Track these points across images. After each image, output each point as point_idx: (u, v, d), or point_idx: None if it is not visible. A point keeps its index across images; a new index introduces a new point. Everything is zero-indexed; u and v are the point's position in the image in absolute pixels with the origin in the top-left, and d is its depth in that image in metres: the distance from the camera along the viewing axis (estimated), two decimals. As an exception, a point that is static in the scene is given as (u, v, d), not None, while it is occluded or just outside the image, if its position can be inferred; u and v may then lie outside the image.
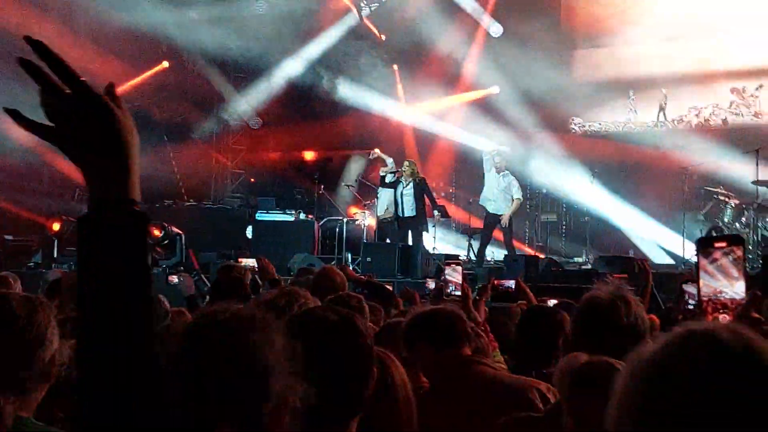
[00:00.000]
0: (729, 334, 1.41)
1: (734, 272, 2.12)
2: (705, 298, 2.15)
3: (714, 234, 16.13)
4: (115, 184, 1.66)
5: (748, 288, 2.11)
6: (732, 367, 1.37)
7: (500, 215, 16.33)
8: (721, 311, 2.13)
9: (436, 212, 16.78)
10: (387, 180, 16.49)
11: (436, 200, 17.32)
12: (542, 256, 17.30)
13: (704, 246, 2.15)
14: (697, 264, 2.15)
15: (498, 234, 16.72)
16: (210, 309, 2.18)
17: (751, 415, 1.34)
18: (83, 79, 1.65)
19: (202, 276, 12.71)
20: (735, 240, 2.15)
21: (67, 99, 1.64)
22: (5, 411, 2.55)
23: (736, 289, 2.12)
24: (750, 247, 15.63)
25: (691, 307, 6.31)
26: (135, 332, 1.65)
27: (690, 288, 6.66)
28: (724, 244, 2.13)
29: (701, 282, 2.15)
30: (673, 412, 1.37)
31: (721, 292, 2.13)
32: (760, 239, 15.67)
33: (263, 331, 2.03)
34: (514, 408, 3.36)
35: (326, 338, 2.46)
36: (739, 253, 2.12)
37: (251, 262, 8.39)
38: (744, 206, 16.03)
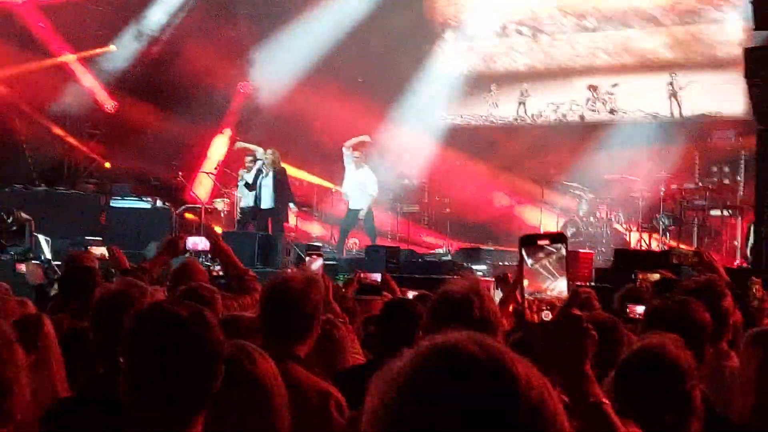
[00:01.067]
0: (475, 346, 1.36)
1: (557, 270, 2.12)
2: (529, 297, 2.15)
3: (569, 227, 16.61)
4: None
5: (575, 284, 2.14)
6: (481, 384, 1.31)
7: (358, 209, 16.41)
8: (544, 309, 2.14)
9: (291, 205, 16.68)
10: (248, 180, 16.36)
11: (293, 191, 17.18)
12: (404, 246, 17.41)
13: (527, 244, 2.15)
14: (520, 262, 2.15)
15: (360, 225, 16.78)
16: None
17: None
18: None
19: (53, 264, 12.26)
20: (557, 238, 2.15)
21: None
22: None
23: (559, 286, 2.13)
24: (603, 241, 16.12)
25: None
26: None
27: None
28: (546, 242, 2.13)
29: (525, 281, 2.15)
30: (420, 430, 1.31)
31: (545, 290, 2.14)
32: (611, 233, 16.18)
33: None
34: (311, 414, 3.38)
35: (171, 333, 2.39)
36: (563, 251, 2.13)
37: (102, 251, 8.14)
38: (598, 200, 16.52)
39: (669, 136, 18.06)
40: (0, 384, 2.43)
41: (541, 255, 2.12)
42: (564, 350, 2.14)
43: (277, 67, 20.81)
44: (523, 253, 2.13)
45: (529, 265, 2.12)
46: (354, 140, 17.02)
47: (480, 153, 19.04)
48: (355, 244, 17.83)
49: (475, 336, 1.40)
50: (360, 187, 16.49)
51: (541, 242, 2.14)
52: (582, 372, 2.19)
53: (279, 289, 3.92)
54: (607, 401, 2.19)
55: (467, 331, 1.44)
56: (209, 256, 11.52)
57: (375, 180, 16.63)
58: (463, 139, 19.91)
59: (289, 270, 9.52)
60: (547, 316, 2.12)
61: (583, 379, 2.20)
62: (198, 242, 6.04)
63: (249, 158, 16.84)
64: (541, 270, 2.12)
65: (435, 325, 3.26)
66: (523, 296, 2.15)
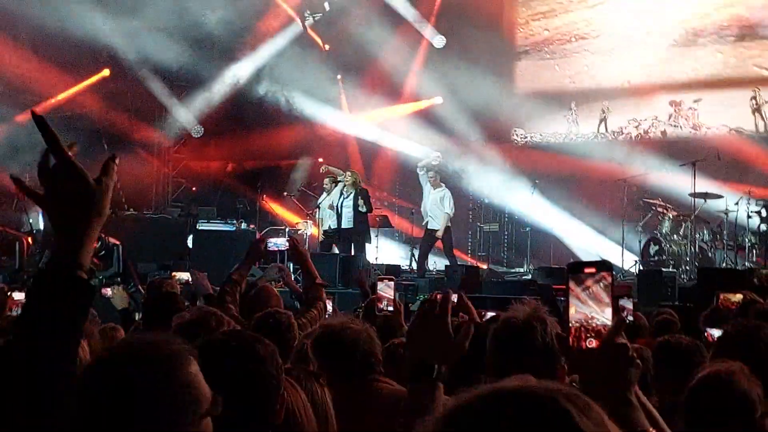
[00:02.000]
0: (542, 392, 1.30)
1: (604, 298, 2.15)
2: (575, 325, 2.18)
3: (652, 245, 16.39)
4: (68, 251, 1.94)
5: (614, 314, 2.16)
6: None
7: (436, 230, 16.46)
8: (590, 337, 2.16)
9: (378, 219, 16.86)
10: (325, 202, 16.62)
11: (375, 210, 17.34)
12: (484, 266, 17.39)
13: (575, 272, 2.18)
14: (567, 289, 2.17)
15: (439, 244, 16.81)
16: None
17: None
18: (68, 154, 2.01)
19: (140, 287, 12.57)
20: (603, 266, 2.18)
21: (54, 168, 1.99)
22: None
23: (605, 315, 2.16)
24: (687, 259, 15.86)
25: (628, 321, 6.37)
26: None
27: (625, 303, 6.73)
28: (593, 270, 2.16)
29: (572, 308, 2.18)
30: None
31: (592, 318, 2.16)
32: (696, 251, 15.91)
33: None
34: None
35: (224, 363, 2.48)
36: (609, 279, 2.15)
37: (185, 276, 8.32)
38: (681, 218, 16.26)
39: (754, 151, 17.73)
40: None
41: (588, 283, 2.16)
42: (609, 378, 2.16)
43: (359, 91, 21.08)
44: (570, 281, 2.17)
45: (576, 294, 2.16)
46: (426, 161, 17.13)
47: (559, 171, 18.93)
48: (434, 264, 17.88)
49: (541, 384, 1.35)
50: (437, 206, 16.56)
51: (587, 270, 2.18)
52: (627, 401, 2.18)
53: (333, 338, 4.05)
54: (653, 430, 2.20)
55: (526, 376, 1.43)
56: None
57: (451, 198, 16.66)
58: (542, 157, 19.83)
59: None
60: (591, 343, 2.15)
61: (629, 408, 2.18)
62: (278, 244, 6.19)
63: (328, 180, 17.05)
64: (588, 298, 2.16)
65: (497, 353, 3.32)
66: (568, 324, 2.18)
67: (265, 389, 2.57)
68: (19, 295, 6.11)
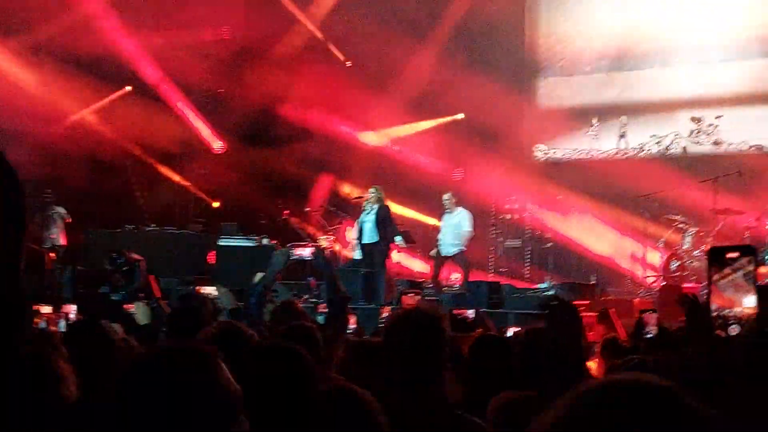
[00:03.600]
0: (655, 383, 1.35)
1: (746, 285, 2.08)
2: (715, 313, 2.11)
3: (673, 261, 16.32)
4: None
5: (759, 300, 2.07)
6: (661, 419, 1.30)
7: (448, 256, 16.49)
8: (731, 324, 2.11)
9: (397, 238, 16.77)
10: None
11: (398, 227, 17.27)
12: (505, 281, 17.36)
13: (715, 258, 2.11)
14: (708, 276, 2.10)
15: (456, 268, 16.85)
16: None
17: None
18: None
19: (161, 302, 12.58)
20: (747, 251, 2.10)
21: None
22: None
23: (745, 303, 2.08)
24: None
25: (649, 336, 6.36)
26: None
27: (649, 317, 6.71)
28: (736, 255, 2.09)
29: (712, 296, 2.11)
30: None
31: (733, 305, 2.10)
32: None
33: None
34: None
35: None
36: (751, 266, 2.08)
37: (212, 291, 8.35)
38: (703, 234, 16.20)
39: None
40: None
41: (728, 270, 2.10)
42: (758, 368, 2.07)
43: (380, 107, 21.13)
44: (711, 268, 2.09)
45: (717, 281, 2.09)
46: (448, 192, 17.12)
47: (581, 187, 18.93)
48: (457, 279, 17.85)
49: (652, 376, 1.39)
50: (452, 230, 16.56)
51: (730, 255, 2.11)
52: None
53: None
54: None
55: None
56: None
57: (469, 218, 16.62)
58: (564, 173, 19.84)
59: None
60: (734, 330, 2.09)
61: None
62: (303, 252, 6.22)
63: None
64: (729, 285, 2.10)
65: (523, 364, 3.33)
66: (710, 312, 2.10)
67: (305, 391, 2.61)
68: (46, 308, 6.17)
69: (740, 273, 2.07)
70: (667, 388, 1.35)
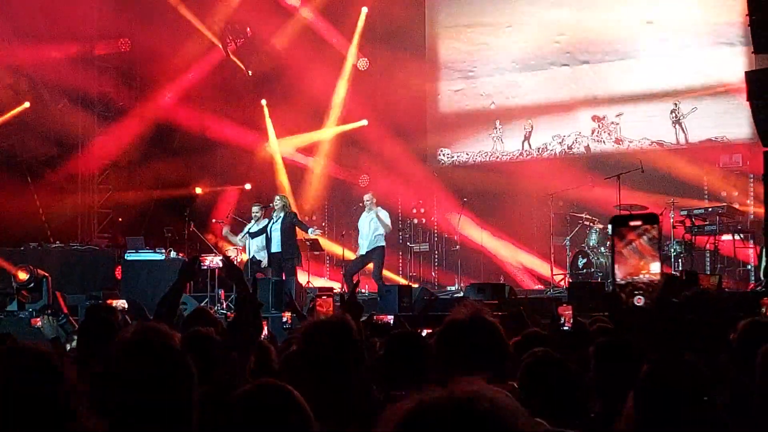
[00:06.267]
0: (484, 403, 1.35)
1: (650, 252, 2.07)
2: (620, 282, 2.10)
3: (580, 258, 16.63)
4: None
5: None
6: None
7: (369, 251, 16.52)
8: (636, 294, 2.09)
9: (310, 230, 16.80)
10: (253, 230, 16.57)
11: (304, 234, 17.32)
12: (415, 285, 17.46)
13: (619, 226, 2.10)
14: (612, 245, 2.07)
15: (369, 267, 16.86)
16: None
17: None
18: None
19: (70, 318, 12.38)
20: (649, 218, 2.08)
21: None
22: None
23: (651, 269, 2.07)
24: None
25: (566, 329, 6.50)
26: None
27: (565, 311, 6.85)
28: (639, 223, 2.07)
29: (616, 265, 2.09)
30: None
31: (637, 274, 2.08)
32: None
33: None
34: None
35: None
36: (654, 232, 2.06)
37: (122, 303, 8.25)
38: (608, 230, 16.51)
39: (676, 163, 18.11)
40: None
41: (632, 236, 2.08)
42: (662, 337, 2.07)
43: (285, 116, 21.10)
44: (615, 236, 2.07)
45: (620, 248, 2.07)
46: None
47: (487, 189, 19.16)
48: (366, 287, 17.92)
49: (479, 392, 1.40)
50: (373, 227, 16.59)
51: (633, 223, 2.09)
52: (681, 358, 2.09)
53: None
54: None
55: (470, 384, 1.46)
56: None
57: (386, 214, 16.72)
58: (469, 176, 20.05)
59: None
60: (639, 301, 2.08)
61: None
62: (213, 262, 6.17)
63: (257, 207, 17.01)
64: (633, 252, 2.09)
65: (442, 354, 3.35)
66: (615, 280, 2.09)
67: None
68: None
69: (645, 238, 2.08)
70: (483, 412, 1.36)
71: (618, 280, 2.08)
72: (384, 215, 16.67)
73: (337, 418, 3.18)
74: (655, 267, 2.04)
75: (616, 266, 2.08)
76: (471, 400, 1.36)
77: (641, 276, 2.08)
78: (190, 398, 2.76)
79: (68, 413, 1.96)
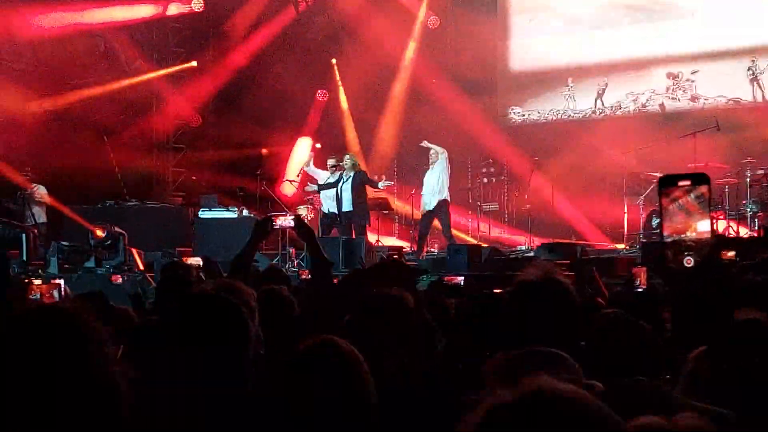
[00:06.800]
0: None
1: (698, 210, 2.03)
2: (668, 240, 2.07)
3: (655, 217, 16.42)
4: None
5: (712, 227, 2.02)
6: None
7: (436, 207, 16.48)
8: (685, 253, 2.06)
9: (381, 183, 16.83)
10: (327, 181, 16.62)
11: (375, 192, 17.39)
12: (485, 245, 17.44)
13: (667, 186, 2.07)
14: (660, 205, 2.05)
15: (437, 224, 16.86)
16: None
17: None
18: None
19: (147, 276, 12.65)
20: (699, 178, 2.05)
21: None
22: None
23: (699, 227, 2.03)
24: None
25: (640, 290, 6.42)
26: None
27: (639, 272, 6.77)
28: (688, 183, 2.04)
29: (664, 224, 2.07)
30: None
31: (684, 232, 2.05)
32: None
33: None
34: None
35: None
36: (704, 190, 2.02)
37: (197, 261, 8.38)
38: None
39: (752, 120, 17.76)
40: None
41: (678, 194, 2.04)
42: (709, 298, 2.04)
43: (354, 72, 21.11)
44: (662, 195, 2.04)
45: (667, 207, 2.04)
46: (425, 143, 17.10)
47: (559, 148, 19.00)
48: (435, 245, 17.94)
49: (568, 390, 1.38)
50: (436, 181, 16.56)
51: (682, 183, 2.06)
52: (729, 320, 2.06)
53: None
54: None
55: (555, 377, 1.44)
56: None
57: (444, 180, 16.61)
58: (541, 135, 19.91)
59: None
60: (689, 262, 2.04)
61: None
62: (285, 221, 6.22)
63: (331, 162, 17.05)
64: (680, 210, 2.05)
65: (516, 313, 3.35)
66: (662, 239, 2.06)
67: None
68: (37, 281, 6.20)
69: (692, 196, 2.04)
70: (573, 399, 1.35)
71: (665, 239, 2.04)
72: (444, 169, 16.55)
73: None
74: (704, 225, 2.00)
75: (663, 224, 2.04)
76: (554, 401, 1.36)
77: (688, 234, 2.05)
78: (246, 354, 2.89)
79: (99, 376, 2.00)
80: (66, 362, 1.90)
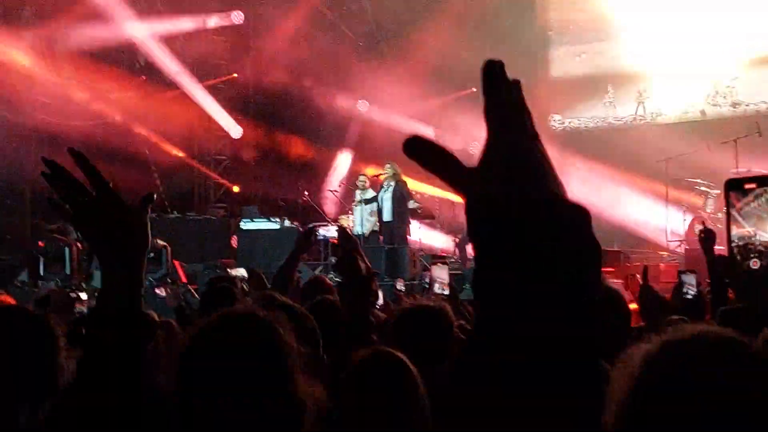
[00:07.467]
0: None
1: (765, 215, 2.01)
2: (735, 244, 2.05)
3: (696, 225, 16.25)
4: (121, 294, 1.83)
5: None
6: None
7: None
8: (752, 257, 2.03)
9: (418, 210, 16.78)
10: (365, 197, 16.60)
11: (418, 201, 17.32)
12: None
13: (733, 189, 2.04)
14: (726, 208, 2.02)
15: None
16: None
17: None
18: (110, 185, 1.88)
19: (190, 288, 12.69)
20: (765, 180, 2.02)
21: (93, 201, 1.85)
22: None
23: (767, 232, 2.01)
24: (733, 237, 15.67)
25: (689, 297, 6.27)
26: None
27: (688, 278, 6.61)
28: (753, 186, 2.01)
29: (733, 226, 2.04)
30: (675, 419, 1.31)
31: (751, 236, 2.02)
32: (742, 228, 15.72)
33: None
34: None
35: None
36: None
37: (241, 272, 8.41)
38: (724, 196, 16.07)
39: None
40: None
41: (749, 198, 2.02)
42: None
43: (391, 81, 21.09)
44: (730, 198, 2.02)
45: (736, 211, 2.02)
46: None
47: (600, 154, 18.87)
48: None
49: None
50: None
51: (748, 186, 2.04)
52: None
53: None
54: None
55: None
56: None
57: None
58: (582, 142, 19.79)
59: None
60: (755, 264, 2.02)
61: None
62: (327, 231, 6.22)
63: (362, 179, 17.03)
64: (749, 214, 2.02)
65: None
66: (730, 243, 2.04)
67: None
68: (84, 296, 6.23)
69: (763, 199, 2.00)
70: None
71: (732, 241, 2.01)
72: None
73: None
74: None
75: (730, 227, 2.01)
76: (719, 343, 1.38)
77: (757, 237, 2.01)
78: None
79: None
80: (267, 377, 1.93)
